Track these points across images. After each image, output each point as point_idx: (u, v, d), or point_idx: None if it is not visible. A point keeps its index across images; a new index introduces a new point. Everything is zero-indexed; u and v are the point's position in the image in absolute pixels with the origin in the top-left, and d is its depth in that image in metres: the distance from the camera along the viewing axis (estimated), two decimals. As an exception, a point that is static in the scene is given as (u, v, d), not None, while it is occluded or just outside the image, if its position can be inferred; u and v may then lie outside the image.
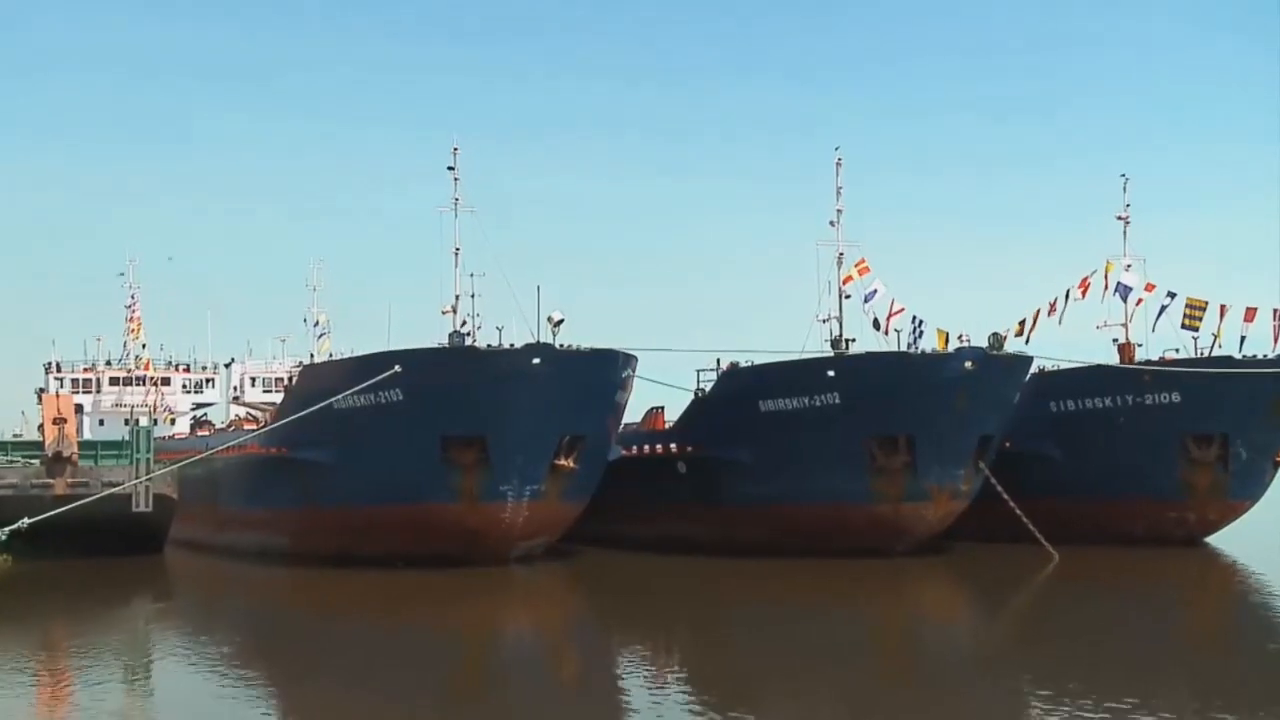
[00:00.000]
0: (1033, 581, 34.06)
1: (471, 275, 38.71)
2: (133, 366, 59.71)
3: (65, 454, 37.05)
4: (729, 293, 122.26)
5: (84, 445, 39.69)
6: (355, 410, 35.03)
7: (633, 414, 43.64)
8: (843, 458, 36.59)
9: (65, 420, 37.61)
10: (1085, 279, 41.84)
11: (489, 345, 34.24)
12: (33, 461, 38.01)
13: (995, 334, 36.99)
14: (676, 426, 41.56)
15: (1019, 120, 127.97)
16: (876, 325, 40.60)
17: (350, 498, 35.70)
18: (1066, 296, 41.82)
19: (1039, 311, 41.84)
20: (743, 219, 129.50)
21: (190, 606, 31.68)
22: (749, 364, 39.23)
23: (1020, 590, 32.83)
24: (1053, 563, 36.13)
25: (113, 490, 36.39)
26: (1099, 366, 40.35)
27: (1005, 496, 37.78)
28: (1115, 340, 41.84)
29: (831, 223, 41.18)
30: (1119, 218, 42.65)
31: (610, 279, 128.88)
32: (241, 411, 55.17)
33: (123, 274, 60.67)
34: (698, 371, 41.39)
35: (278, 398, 47.06)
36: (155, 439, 40.15)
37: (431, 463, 34.25)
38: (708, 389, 40.26)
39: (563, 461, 34.92)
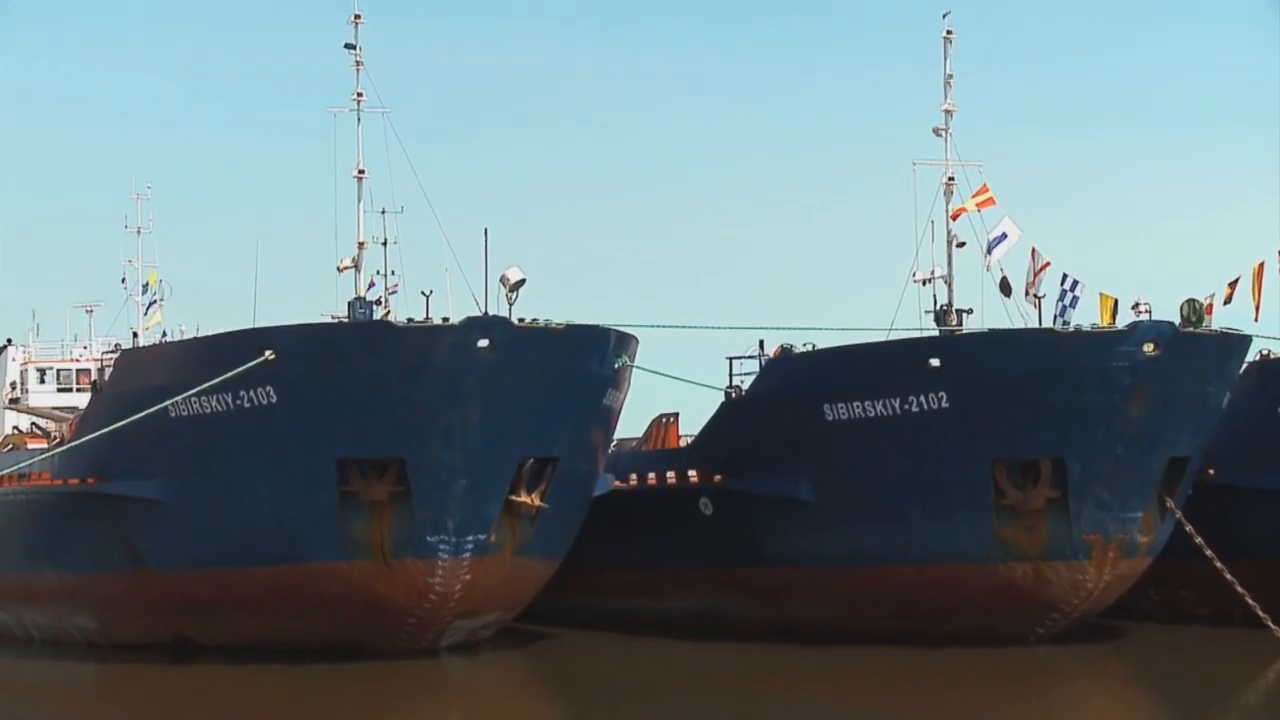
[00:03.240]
0: (1256, 687, 33.33)
1: (384, 213, 39.21)
2: None
3: None
4: (777, 242, 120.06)
5: None
6: (203, 419, 34.77)
7: (632, 424, 43.41)
8: (954, 492, 36.20)
9: None
10: (1337, 216, 40.96)
11: (410, 320, 34.07)
12: None
13: (1192, 301, 36.25)
14: (698, 444, 41.24)
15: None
16: (1006, 288, 39.34)
17: (194, 555, 35.41)
18: (1311, 244, 40.90)
19: (1262, 266, 40.80)
20: (797, 128, 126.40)
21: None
22: (808, 348, 38.77)
23: (1235, 701, 31.97)
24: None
25: None
26: (1362, 352, 39.59)
27: (1208, 553, 37.08)
28: (1392, 312, 40.89)
29: (937, 131, 40.11)
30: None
31: (597, 222, 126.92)
32: (23, 421, 54.78)
33: None
34: (730, 360, 40.78)
35: (83, 400, 46.29)
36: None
37: (321, 499, 34.10)
38: (745, 386, 39.78)
39: (523, 497, 34.76)
